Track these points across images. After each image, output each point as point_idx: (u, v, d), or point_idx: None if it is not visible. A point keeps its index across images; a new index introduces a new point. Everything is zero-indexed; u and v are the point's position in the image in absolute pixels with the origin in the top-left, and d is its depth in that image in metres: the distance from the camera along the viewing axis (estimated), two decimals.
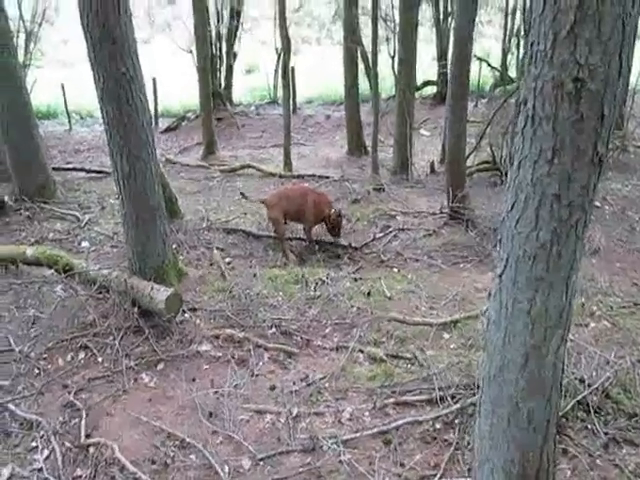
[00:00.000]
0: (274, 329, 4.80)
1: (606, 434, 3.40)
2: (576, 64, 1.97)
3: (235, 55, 16.54)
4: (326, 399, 3.91)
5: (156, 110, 14.83)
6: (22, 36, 11.70)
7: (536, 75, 2.06)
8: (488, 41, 19.45)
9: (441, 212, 7.89)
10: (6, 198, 8.03)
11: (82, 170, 10.47)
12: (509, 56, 15.72)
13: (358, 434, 3.53)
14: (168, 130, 14.69)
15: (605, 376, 3.72)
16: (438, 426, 3.57)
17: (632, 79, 8.93)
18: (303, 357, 4.46)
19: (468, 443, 3.37)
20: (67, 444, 3.61)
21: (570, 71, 1.98)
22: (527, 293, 2.22)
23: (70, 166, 10.82)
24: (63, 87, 14.78)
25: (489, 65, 12.30)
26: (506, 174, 7.43)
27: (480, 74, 14.35)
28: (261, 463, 3.37)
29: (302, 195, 7.21)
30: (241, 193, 7.97)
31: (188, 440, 3.55)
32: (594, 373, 3.77)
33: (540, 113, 2.06)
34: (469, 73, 7.75)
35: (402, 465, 3.30)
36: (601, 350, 4.10)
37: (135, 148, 5.02)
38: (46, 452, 3.55)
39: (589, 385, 3.64)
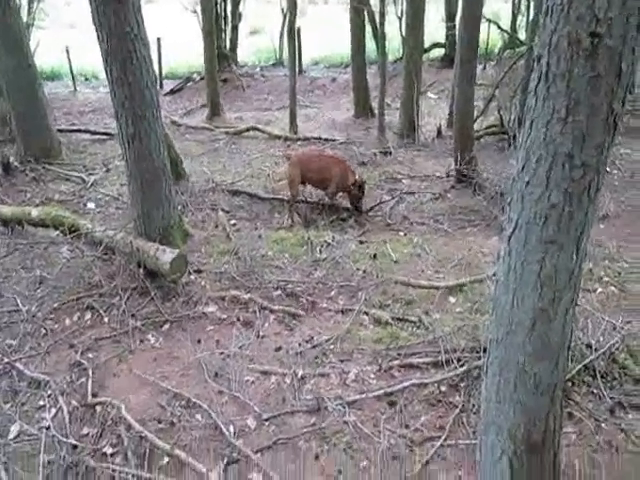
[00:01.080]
0: (279, 291, 4.80)
1: (612, 399, 3.41)
2: (594, 18, 1.89)
3: (240, 15, 16.20)
4: (331, 361, 3.92)
5: (160, 72, 14.59)
6: None
7: (552, 30, 1.97)
8: (497, 3, 18.96)
9: (448, 175, 7.81)
10: (11, 159, 8.02)
11: (87, 132, 10.40)
12: (519, 18, 15.35)
13: (363, 395, 3.55)
14: (173, 92, 14.48)
15: (612, 341, 3.72)
16: (443, 389, 3.59)
17: None
18: (308, 319, 4.47)
19: (473, 406, 3.39)
20: (74, 403, 3.66)
21: (587, 25, 1.90)
22: (537, 255, 2.18)
23: (75, 128, 10.73)
24: (67, 49, 14.54)
25: (499, 27, 12.00)
26: (514, 137, 7.32)
27: (489, 36, 14.02)
28: (266, 423, 3.40)
29: (328, 163, 6.99)
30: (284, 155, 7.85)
31: (194, 400, 3.58)
32: (601, 338, 3.77)
33: (554, 70, 1.99)
34: (478, 35, 7.58)
35: (407, 427, 3.33)
36: (608, 315, 4.09)
37: (140, 108, 4.95)
38: (53, 410, 3.60)
39: (596, 350, 3.64)
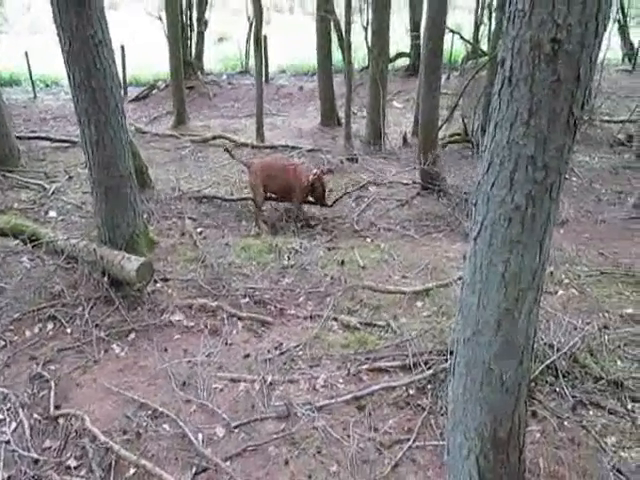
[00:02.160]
0: (247, 298, 4.77)
1: (574, 397, 3.48)
2: (554, 24, 1.95)
3: (206, 23, 16.15)
4: (300, 367, 3.91)
5: (124, 78, 14.41)
6: None
7: (514, 35, 2.03)
8: (461, 13, 19.36)
9: (414, 182, 7.90)
10: None
11: (47, 139, 10.19)
12: (481, 29, 15.67)
13: (332, 400, 3.54)
14: (137, 99, 14.32)
15: (573, 341, 3.79)
16: (411, 391, 3.61)
17: (599, 54, 8.98)
18: (277, 326, 4.45)
19: (441, 408, 3.42)
20: (36, 416, 3.54)
21: (548, 31, 1.96)
22: (502, 255, 2.22)
23: (35, 135, 10.50)
24: (27, 54, 14.25)
25: (461, 37, 12.26)
26: (477, 145, 7.46)
27: (452, 47, 14.30)
28: (235, 430, 3.36)
29: (285, 166, 7.01)
30: (225, 149, 7.82)
31: (161, 409, 3.52)
32: (562, 339, 3.84)
33: (517, 74, 2.04)
34: (442, 44, 7.73)
35: (376, 430, 3.33)
36: (569, 317, 4.18)
37: (103, 114, 4.87)
38: (14, 424, 3.48)
39: (558, 350, 3.71)
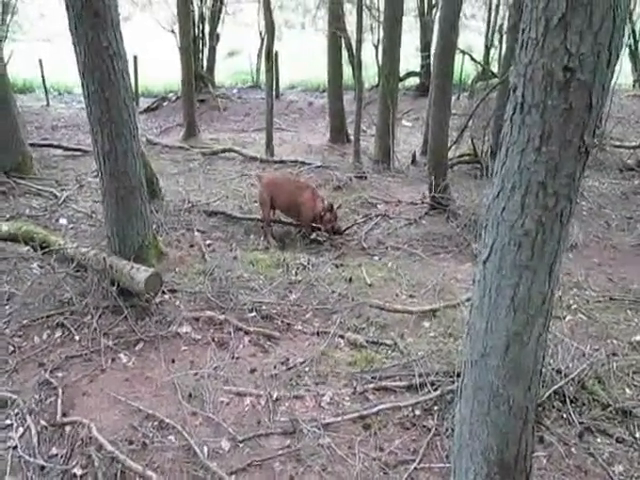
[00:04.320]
0: (254, 312, 4.79)
1: (581, 423, 3.47)
2: (566, 53, 1.98)
3: (218, 37, 16.34)
4: (306, 383, 3.91)
5: (137, 89, 14.56)
6: None
7: (527, 62, 2.06)
8: (471, 34, 19.50)
9: (422, 202, 7.93)
10: None
11: (59, 147, 10.32)
12: (492, 50, 15.80)
13: (338, 418, 3.55)
14: (148, 110, 14.48)
15: (581, 367, 3.79)
16: (417, 412, 3.61)
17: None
18: (284, 341, 4.46)
19: (447, 429, 3.41)
20: (43, 422, 3.56)
21: (560, 59, 1.99)
22: (511, 280, 2.24)
23: (47, 143, 10.61)
24: (41, 62, 14.44)
25: (472, 58, 12.37)
26: (487, 167, 7.48)
27: (463, 68, 14.41)
28: (241, 445, 3.37)
29: (298, 188, 7.00)
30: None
31: (167, 421, 3.53)
32: (570, 364, 3.84)
33: (529, 101, 2.07)
34: (453, 64, 7.81)
35: (381, 449, 3.33)
36: (577, 342, 4.18)
37: (116, 125, 4.92)
38: (21, 430, 3.50)
39: (565, 376, 3.71)
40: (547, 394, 3.58)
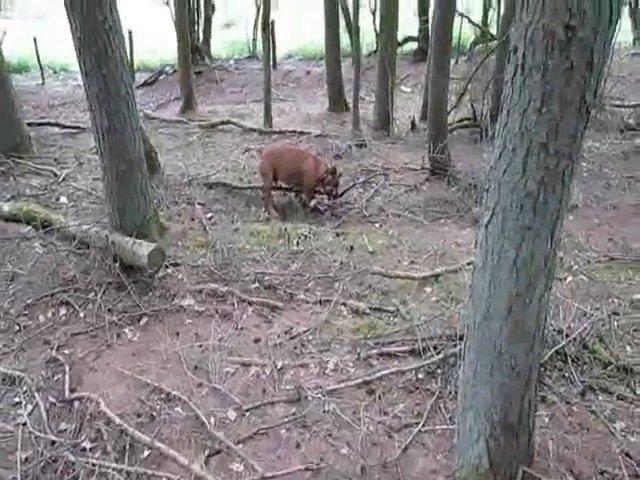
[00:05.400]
0: (257, 283, 4.81)
1: (583, 382, 3.50)
2: (567, 11, 1.95)
3: (213, 7, 16.09)
4: (310, 351, 3.95)
5: (132, 64, 14.36)
6: None
7: (527, 23, 2.03)
8: None
9: (422, 168, 7.88)
10: None
11: (57, 125, 10.22)
12: (490, 12, 15.51)
13: (342, 384, 3.58)
14: (145, 84, 14.31)
15: (582, 327, 3.81)
16: (421, 376, 3.64)
17: None
18: (287, 311, 4.48)
19: (450, 392, 3.44)
20: (51, 399, 3.60)
21: (561, 18, 1.96)
22: (513, 241, 2.24)
23: (44, 121, 10.52)
24: (35, 40, 14.24)
25: (470, 21, 12.15)
26: (486, 130, 7.41)
27: (461, 31, 14.16)
28: (247, 414, 3.41)
29: (299, 156, 7.07)
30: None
31: (174, 393, 3.56)
32: (572, 324, 3.86)
33: (530, 62, 2.05)
34: (452, 28, 7.69)
35: (386, 414, 3.37)
36: (578, 303, 4.19)
37: (115, 101, 4.87)
38: (30, 407, 3.53)
39: (567, 336, 3.73)
40: (549, 354, 3.60)
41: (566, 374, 3.58)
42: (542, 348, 2.73)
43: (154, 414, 3.44)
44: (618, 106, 10.39)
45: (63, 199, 6.93)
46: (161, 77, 14.65)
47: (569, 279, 4.85)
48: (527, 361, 2.44)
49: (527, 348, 2.42)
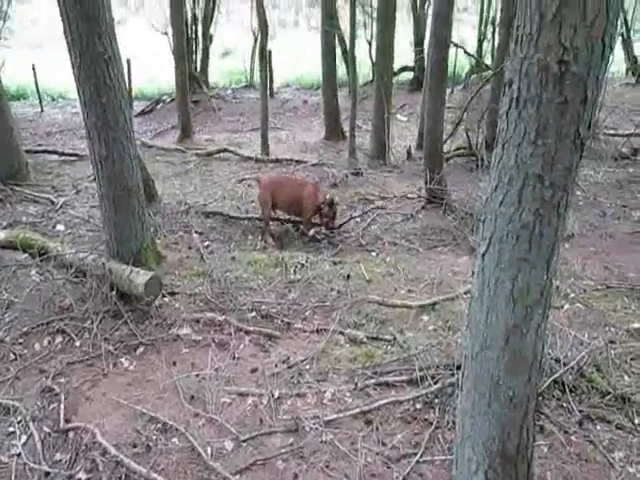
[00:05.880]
0: (254, 312, 4.80)
1: (581, 412, 3.49)
2: (561, 47, 1.99)
3: (211, 37, 16.34)
4: (307, 381, 3.92)
5: (130, 92, 14.51)
6: None
7: (522, 57, 2.08)
8: (464, 27, 19.52)
9: (419, 196, 7.95)
10: None
11: (55, 153, 10.29)
12: (485, 43, 15.82)
13: (340, 414, 3.56)
14: (143, 113, 14.47)
15: (579, 356, 3.81)
16: (418, 406, 3.62)
17: None
18: (284, 340, 4.47)
19: (448, 422, 3.43)
20: (46, 429, 3.56)
21: (555, 54, 2.00)
22: (509, 272, 2.26)
23: (42, 149, 10.59)
24: (34, 67, 14.41)
25: (465, 52, 12.39)
26: (482, 159, 7.49)
27: (456, 61, 14.42)
28: (244, 444, 3.37)
29: (298, 185, 7.16)
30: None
31: (170, 423, 3.53)
32: (569, 353, 3.86)
33: (525, 95, 2.09)
34: (447, 57, 7.82)
35: (384, 444, 3.34)
36: (575, 331, 4.20)
37: (113, 130, 4.92)
38: (24, 437, 3.49)
39: (564, 364, 3.73)
40: (547, 383, 3.59)
41: (564, 403, 3.58)
42: (540, 377, 2.73)
43: (150, 444, 3.40)
44: (612, 135, 10.55)
45: (60, 227, 6.94)
46: (158, 106, 14.82)
47: (566, 307, 4.87)
48: (525, 391, 2.44)
49: (525, 378, 2.42)
